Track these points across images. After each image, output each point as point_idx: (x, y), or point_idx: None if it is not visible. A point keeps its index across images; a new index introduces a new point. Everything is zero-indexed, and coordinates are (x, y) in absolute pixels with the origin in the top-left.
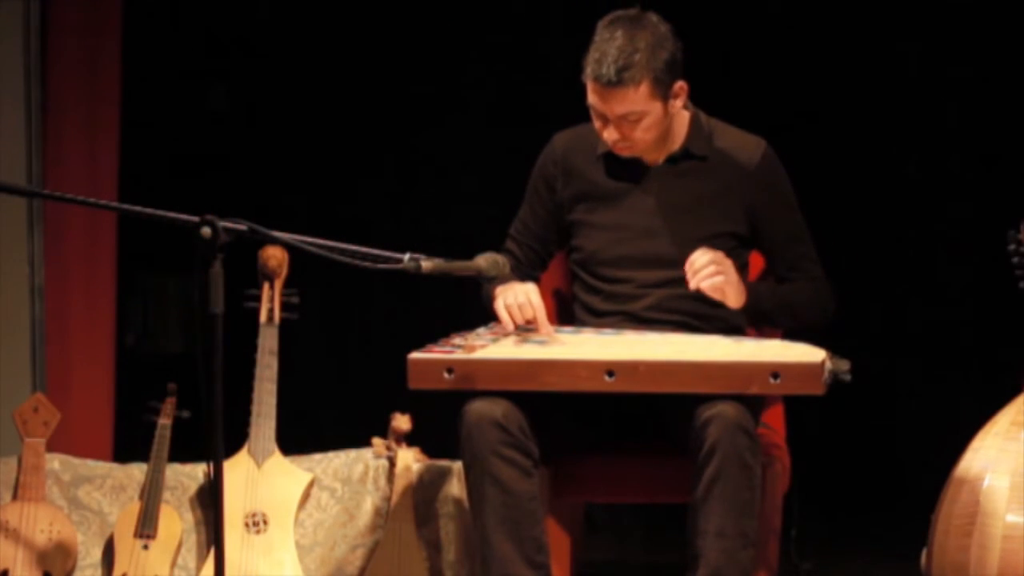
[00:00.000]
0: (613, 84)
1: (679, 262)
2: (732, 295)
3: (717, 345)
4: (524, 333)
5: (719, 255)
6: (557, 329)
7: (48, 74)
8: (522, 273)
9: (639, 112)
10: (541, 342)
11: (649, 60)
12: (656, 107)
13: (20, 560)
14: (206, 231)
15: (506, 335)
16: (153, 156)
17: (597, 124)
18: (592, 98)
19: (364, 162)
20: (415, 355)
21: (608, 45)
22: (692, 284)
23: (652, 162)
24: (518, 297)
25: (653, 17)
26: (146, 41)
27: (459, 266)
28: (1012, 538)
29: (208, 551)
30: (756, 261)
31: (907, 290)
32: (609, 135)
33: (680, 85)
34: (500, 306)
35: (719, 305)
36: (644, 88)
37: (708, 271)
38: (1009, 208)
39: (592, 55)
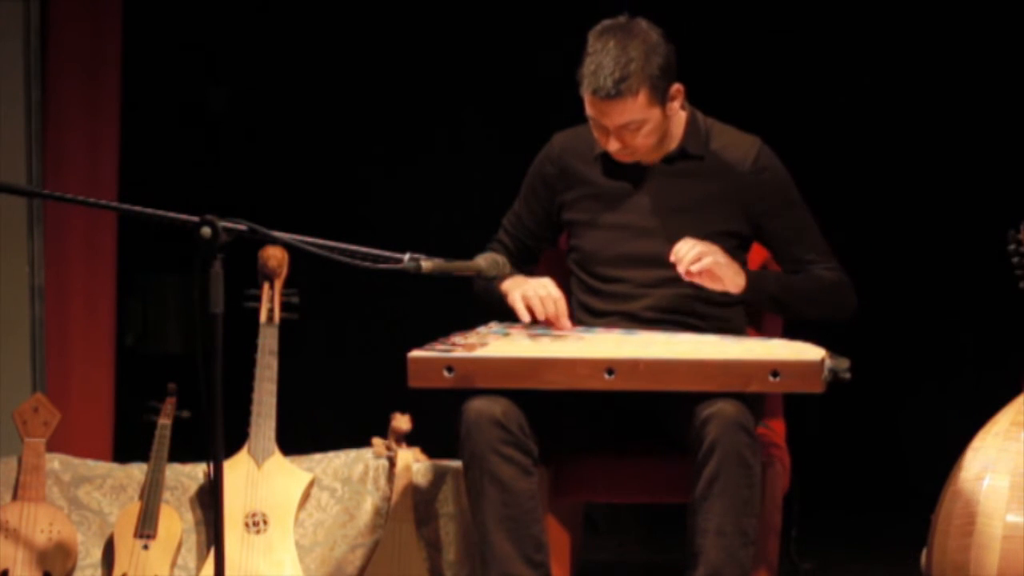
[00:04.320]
0: (612, 96)
1: None
2: (728, 277)
3: (717, 343)
4: (536, 329)
5: (704, 242)
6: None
7: (48, 74)
8: (511, 267)
9: (639, 120)
10: (545, 337)
11: (644, 68)
12: (655, 113)
13: (20, 560)
14: (206, 231)
15: (510, 332)
16: (153, 156)
17: (598, 135)
18: (591, 110)
19: (364, 162)
20: (415, 353)
21: (602, 57)
22: (681, 271)
23: (649, 162)
24: (538, 290)
25: (643, 23)
26: (147, 40)
27: (459, 266)
28: (1012, 538)
29: (208, 551)
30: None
31: (907, 289)
32: (611, 146)
33: (676, 88)
34: (517, 298)
35: (719, 304)
36: (642, 97)
37: (693, 255)
38: (1009, 208)
39: (587, 68)
